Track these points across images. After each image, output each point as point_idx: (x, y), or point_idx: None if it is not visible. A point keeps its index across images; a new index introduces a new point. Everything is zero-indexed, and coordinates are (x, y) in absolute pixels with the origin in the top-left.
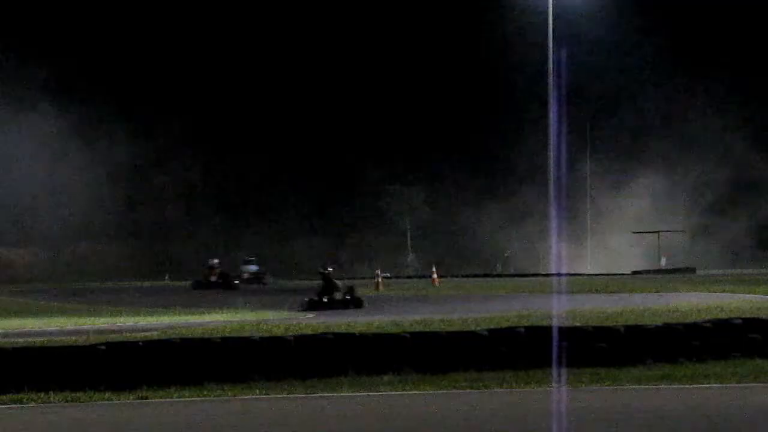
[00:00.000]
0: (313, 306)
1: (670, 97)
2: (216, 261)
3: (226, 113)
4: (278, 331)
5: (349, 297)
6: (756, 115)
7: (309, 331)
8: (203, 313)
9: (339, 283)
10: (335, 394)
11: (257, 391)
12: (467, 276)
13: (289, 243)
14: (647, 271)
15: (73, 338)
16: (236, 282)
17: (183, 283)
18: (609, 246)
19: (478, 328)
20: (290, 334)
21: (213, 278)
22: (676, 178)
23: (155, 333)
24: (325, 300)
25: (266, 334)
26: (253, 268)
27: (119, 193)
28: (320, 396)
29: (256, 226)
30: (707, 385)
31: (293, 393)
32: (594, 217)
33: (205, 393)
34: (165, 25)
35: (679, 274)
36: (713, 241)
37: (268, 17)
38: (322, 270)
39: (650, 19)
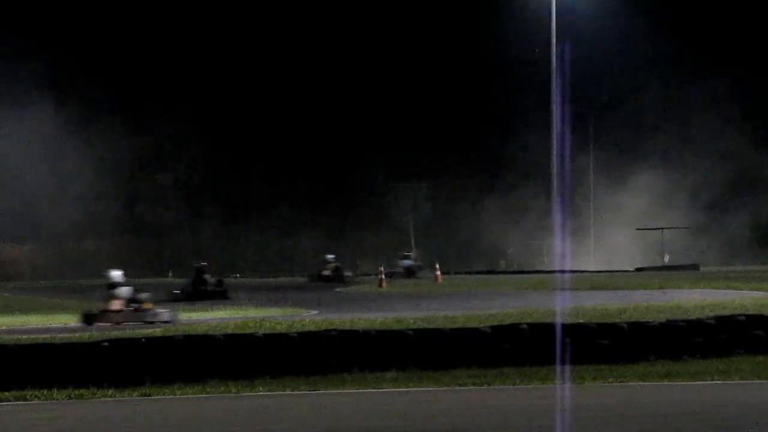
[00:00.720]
0: (185, 296)
1: (672, 93)
2: (332, 256)
3: (228, 110)
4: (281, 328)
5: (219, 289)
6: (757, 112)
7: (312, 328)
8: (206, 309)
9: (209, 276)
10: (339, 391)
11: (260, 388)
12: (470, 273)
13: (290, 239)
14: (650, 268)
15: (77, 335)
16: (348, 275)
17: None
18: (611, 243)
19: (481, 325)
20: (294, 331)
21: (326, 272)
22: (677, 175)
23: (158, 330)
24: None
25: (269, 331)
26: (408, 262)
27: (122, 189)
28: (324, 393)
29: (257, 222)
30: (710, 382)
31: (297, 390)
32: (595, 213)
33: (208, 390)
34: (166, 22)
35: (682, 270)
36: (714, 238)
37: (269, 14)
38: (197, 265)
39: (652, 16)
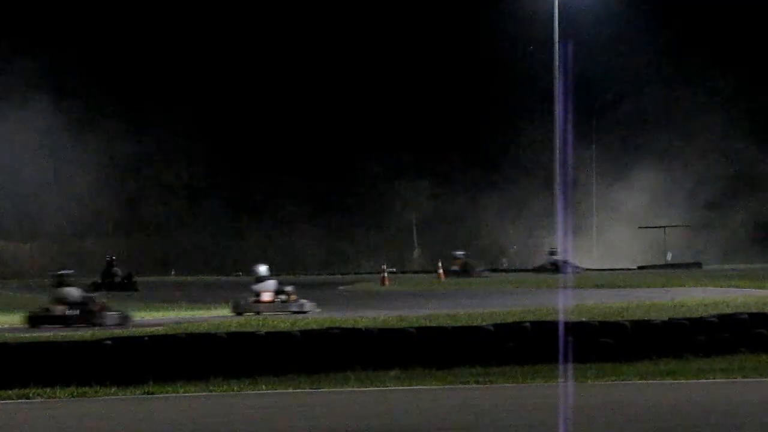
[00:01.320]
0: (96, 287)
1: (674, 91)
2: (460, 253)
3: (230, 108)
4: (284, 326)
5: (126, 281)
6: (758, 111)
7: (315, 326)
8: (209, 308)
9: (118, 269)
10: (341, 390)
11: (263, 386)
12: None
13: (291, 237)
14: (653, 266)
15: (79, 333)
16: (478, 270)
17: (194, 277)
18: (613, 241)
19: (484, 323)
20: (296, 329)
21: (454, 268)
22: (678, 173)
23: (161, 328)
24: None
25: (272, 329)
26: (555, 258)
27: (125, 187)
28: (326, 391)
29: (259, 220)
30: (713, 381)
31: (299, 388)
32: (597, 211)
33: (211, 388)
34: (167, 20)
35: (684, 268)
36: (716, 236)
37: (270, 10)
38: (108, 258)
39: (655, 13)
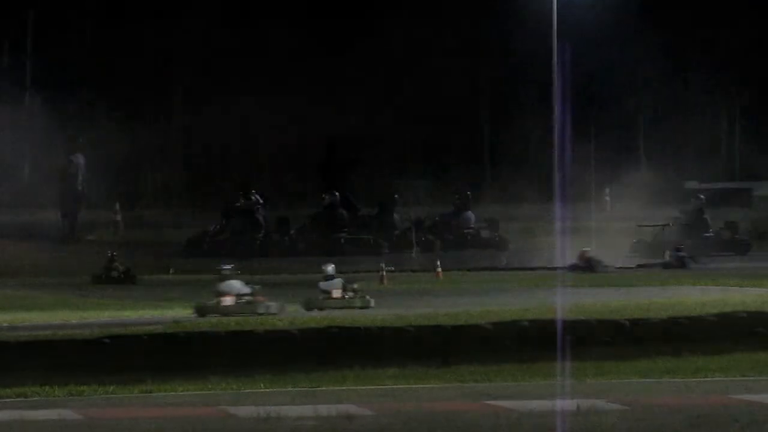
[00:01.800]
0: (96, 281)
1: (672, 90)
2: (588, 249)
3: (229, 106)
4: (282, 325)
5: (125, 275)
6: (756, 110)
7: (313, 325)
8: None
9: (117, 264)
10: (340, 388)
11: (262, 384)
12: (471, 270)
13: (290, 236)
14: (651, 265)
15: (78, 332)
16: (602, 266)
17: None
18: (612, 240)
19: (483, 322)
20: (295, 327)
21: (579, 263)
22: (677, 173)
23: (160, 327)
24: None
25: (271, 328)
26: (681, 254)
27: (123, 185)
28: (325, 390)
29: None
30: (712, 379)
31: (297, 386)
32: (596, 210)
33: (210, 387)
34: (166, 17)
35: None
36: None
37: (269, 8)
38: (109, 254)
39: (655, 12)
